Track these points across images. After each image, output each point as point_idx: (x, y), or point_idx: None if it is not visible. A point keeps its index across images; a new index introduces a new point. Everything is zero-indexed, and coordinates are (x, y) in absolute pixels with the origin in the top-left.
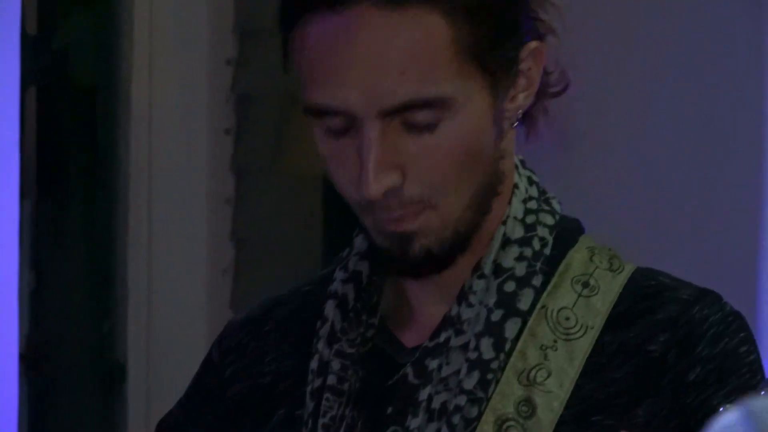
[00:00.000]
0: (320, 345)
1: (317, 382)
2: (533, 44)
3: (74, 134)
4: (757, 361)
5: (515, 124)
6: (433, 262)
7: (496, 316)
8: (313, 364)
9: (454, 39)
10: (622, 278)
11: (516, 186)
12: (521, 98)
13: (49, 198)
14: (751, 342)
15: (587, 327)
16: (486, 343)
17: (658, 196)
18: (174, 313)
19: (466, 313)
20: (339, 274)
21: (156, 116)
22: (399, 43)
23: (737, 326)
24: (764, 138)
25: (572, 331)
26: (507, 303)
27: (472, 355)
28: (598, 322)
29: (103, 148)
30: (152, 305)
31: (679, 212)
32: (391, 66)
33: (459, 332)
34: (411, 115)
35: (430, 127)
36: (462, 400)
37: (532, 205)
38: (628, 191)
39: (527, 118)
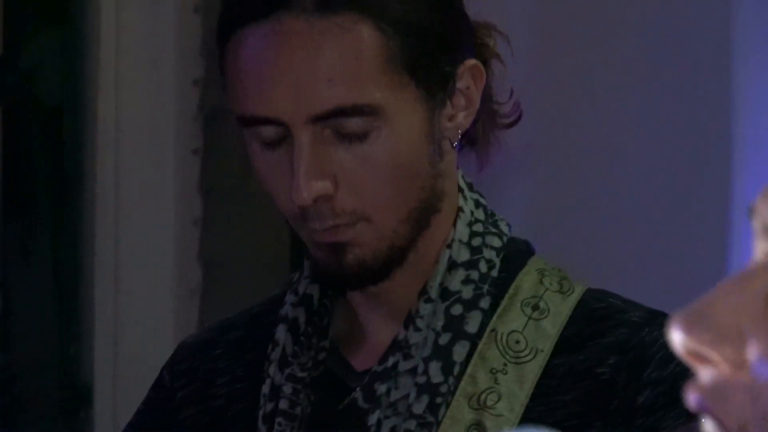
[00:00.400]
0: (272, 369)
1: (269, 407)
2: (471, 61)
3: (41, 154)
4: None
5: (455, 144)
6: (368, 274)
7: (444, 339)
8: (265, 389)
9: (384, 48)
10: (572, 300)
11: (461, 209)
12: (461, 117)
13: (14, 219)
14: None
15: (537, 350)
16: (434, 367)
17: (622, 216)
18: (141, 334)
19: (414, 338)
20: (289, 298)
21: (123, 136)
22: (327, 50)
23: None
24: (732, 156)
25: (522, 354)
26: (455, 326)
27: (421, 380)
28: (548, 345)
29: (69, 169)
30: (119, 327)
31: (644, 233)
32: (319, 72)
33: (407, 356)
34: (341, 122)
35: (361, 137)
36: (412, 424)
37: (478, 227)
38: (590, 213)
39: (479, 146)
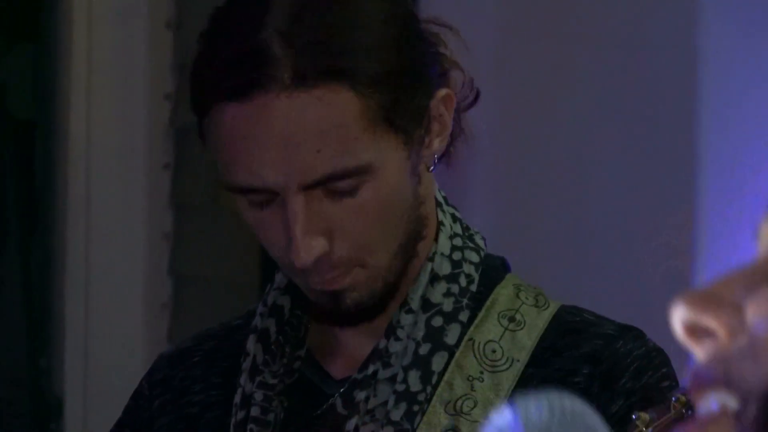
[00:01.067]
0: (243, 379)
1: (240, 415)
2: (442, 92)
3: (12, 169)
4: None
5: (432, 168)
6: (366, 313)
7: (424, 349)
8: (237, 398)
9: (363, 110)
10: (548, 314)
11: (441, 223)
12: (436, 143)
13: None
14: (672, 378)
15: (513, 360)
16: (413, 376)
17: (587, 226)
18: (112, 348)
19: (394, 347)
20: (260, 309)
21: (94, 151)
22: (310, 123)
23: (660, 361)
24: (696, 170)
25: (498, 363)
26: (435, 337)
27: (400, 387)
28: (524, 355)
29: (40, 183)
30: (90, 340)
31: (608, 245)
32: (305, 145)
33: (387, 365)
34: (332, 184)
35: (351, 192)
36: (389, 431)
37: (458, 241)
38: (555, 224)
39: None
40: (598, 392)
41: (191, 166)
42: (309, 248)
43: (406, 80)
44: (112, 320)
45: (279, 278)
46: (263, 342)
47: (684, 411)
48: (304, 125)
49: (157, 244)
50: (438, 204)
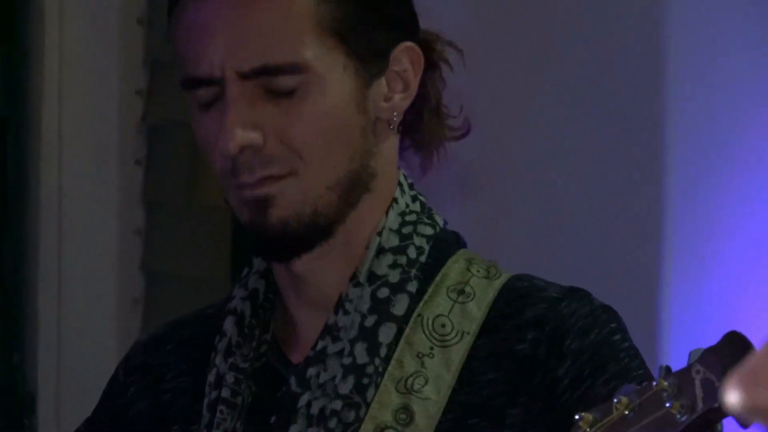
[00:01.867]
0: (218, 359)
1: (213, 395)
2: (408, 43)
3: None
4: (633, 348)
5: (392, 127)
6: (291, 239)
7: (370, 321)
8: (211, 377)
9: (314, 12)
10: (498, 284)
11: (395, 200)
12: (397, 99)
13: None
14: (623, 331)
15: (463, 332)
16: (360, 348)
17: (559, 229)
18: (84, 344)
19: (343, 321)
20: (239, 292)
21: (66, 147)
22: (258, 10)
23: (607, 318)
24: (663, 174)
25: (448, 337)
26: (380, 309)
27: (347, 361)
28: (474, 327)
29: (13, 179)
30: (62, 336)
31: (577, 248)
32: (249, 31)
33: (335, 339)
34: (270, 79)
35: (289, 94)
36: (338, 404)
37: (411, 218)
38: (529, 229)
39: (424, 151)
40: (544, 356)
41: (163, 163)
42: (236, 135)
43: (368, 7)
44: (84, 316)
45: (258, 262)
46: (239, 324)
47: (626, 413)
48: (251, 11)
49: (129, 240)
50: (399, 184)
